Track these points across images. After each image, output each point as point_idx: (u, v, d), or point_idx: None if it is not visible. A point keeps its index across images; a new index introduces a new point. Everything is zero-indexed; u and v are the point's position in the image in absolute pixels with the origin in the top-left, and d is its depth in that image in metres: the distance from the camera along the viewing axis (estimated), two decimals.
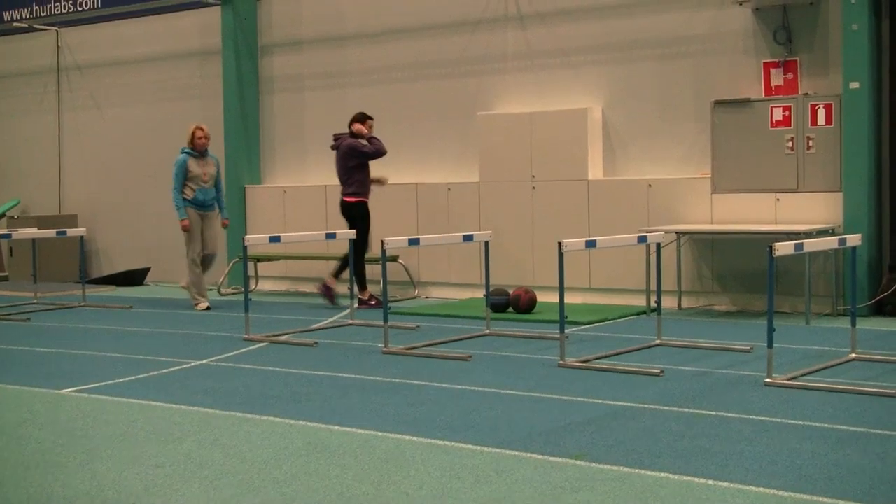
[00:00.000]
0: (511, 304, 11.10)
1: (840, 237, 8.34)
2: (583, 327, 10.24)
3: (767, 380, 7.25)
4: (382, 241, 9.14)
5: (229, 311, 12.13)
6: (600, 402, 6.87)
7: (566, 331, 8.47)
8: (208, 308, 12.25)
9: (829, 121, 10.75)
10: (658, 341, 9.04)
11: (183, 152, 12.30)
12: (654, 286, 9.60)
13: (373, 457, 5.64)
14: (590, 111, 12.08)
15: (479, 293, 11.20)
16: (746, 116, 11.16)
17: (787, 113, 10.95)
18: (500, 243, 11.89)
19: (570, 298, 10.38)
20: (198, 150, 12.28)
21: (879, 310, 10.52)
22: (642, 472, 5.20)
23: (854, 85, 10.50)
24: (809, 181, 10.85)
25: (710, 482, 4.99)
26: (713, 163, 11.36)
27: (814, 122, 10.82)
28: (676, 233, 11.17)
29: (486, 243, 10.21)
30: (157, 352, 9.35)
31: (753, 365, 7.95)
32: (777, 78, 11.21)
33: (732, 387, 7.26)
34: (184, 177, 12.19)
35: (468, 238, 10.26)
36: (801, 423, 6.15)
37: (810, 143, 10.84)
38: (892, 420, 6.16)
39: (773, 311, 7.37)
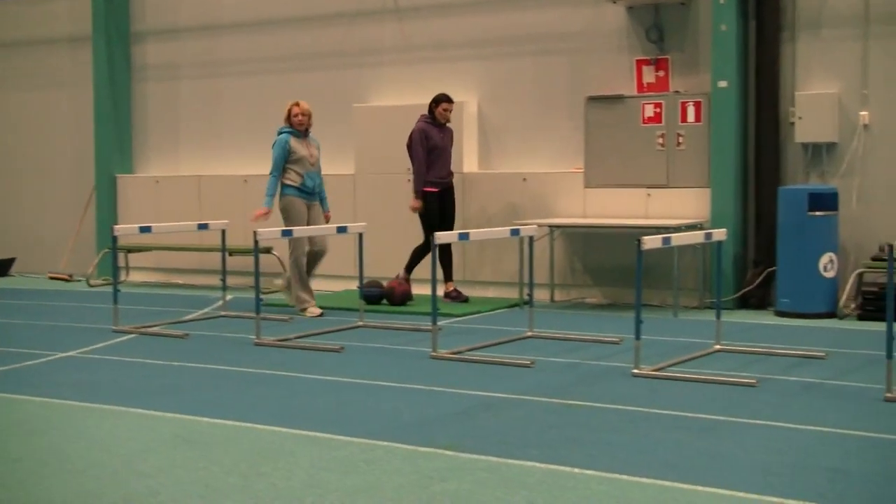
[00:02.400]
0: (385, 297, 11.10)
1: (706, 232, 8.54)
2: (456, 319, 10.28)
3: (635, 371, 7.38)
4: (255, 233, 9.05)
5: (98, 302, 11.87)
6: (471, 392, 6.91)
7: (439, 323, 8.53)
8: (322, 314, 10.60)
9: (698, 118, 10.99)
10: (530, 333, 9.13)
11: (282, 132, 10.70)
12: (526, 279, 9.70)
13: (242, 449, 5.58)
14: (466, 105, 12.13)
15: (354, 285, 11.17)
16: (619, 112, 11.34)
17: (658, 110, 11.17)
18: (375, 235, 11.86)
19: (443, 291, 10.44)
20: (297, 129, 10.69)
21: (744, 303, 10.80)
22: (510, 461, 5.25)
23: (722, 83, 10.75)
24: (679, 177, 11.09)
25: (577, 471, 5.06)
26: (586, 158, 11.53)
27: (684, 119, 11.05)
28: (549, 226, 11.30)
29: (361, 235, 10.19)
30: (21, 344, 9.09)
31: (622, 356, 8.09)
32: (649, 75, 11.42)
33: (601, 378, 7.38)
34: (285, 159, 10.57)
35: (342, 230, 10.22)
36: (666, 412, 6.28)
37: (680, 139, 11.07)
38: (753, 409, 6.33)
39: (642, 303, 7.52)
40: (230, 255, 11.80)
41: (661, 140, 11.14)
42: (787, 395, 6.77)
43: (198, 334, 9.54)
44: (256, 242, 9.09)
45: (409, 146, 11.26)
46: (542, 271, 11.21)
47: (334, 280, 12.62)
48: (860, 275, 10.27)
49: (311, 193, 10.72)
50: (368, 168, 12.59)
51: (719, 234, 8.42)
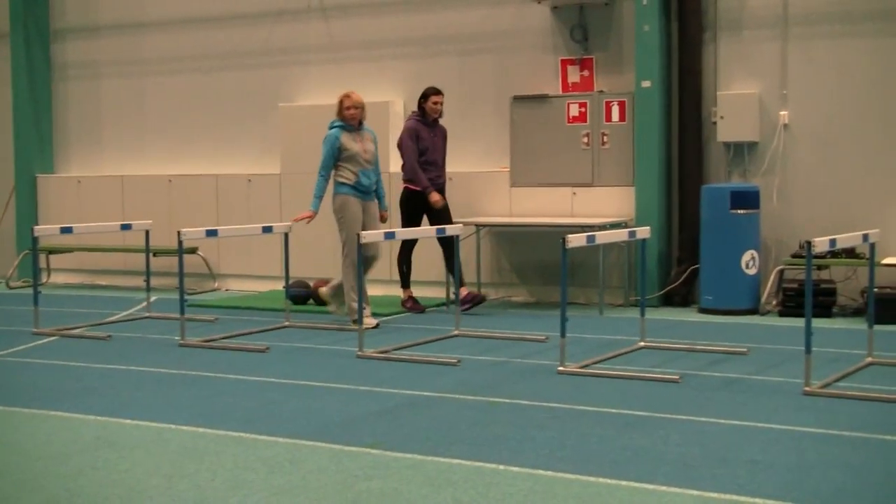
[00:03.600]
0: (312, 297, 11.05)
1: (630, 230, 8.61)
2: (383, 318, 10.26)
3: (560, 368, 7.43)
4: (179, 233, 8.97)
5: (18, 304, 11.67)
6: (397, 391, 6.91)
7: None
8: (378, 325, 9.74)
9: (622, 117, 11.09)
10: (457, 332, 9.15)
11: (333, 126, 9.77)
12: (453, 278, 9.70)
13: (165, 450, 5.52)
14: (391, 104, 12.12)
15: (280, 285, 11.10)
16: (544, 112, 11.41)
17: (583, 109, 11.25)
18: (301, 235, 11.80)
19: (371, 290, 10.42)
20: (349, 122, 9.79)
21: (668, 300, 10.91)
22: (436, 458, 5.26)
23: (646, 83, 10.86)
24: (604, 176, 11.17)
25: (501, 467, 5.08)
26: (512, 157, 11.58)
27: (608, 118, 11.14)
28: (476, 225, 11.33)
29: (286, 235, 10.13)
30: None
31: (548, 354, 8.13)
32: (574, 75, 11.50)
33: (527, 375, 7.42)
34: (335, 157, 9.67)
35: (268, 230, 10.16)
36: (590, 408, 6.33)
37: (605, 139, 11.16)
38: (676, 404, 6.40)
39: (567, 301, 7.56)
40: (154, 255, 11.67)
41: (585, 139, 11.22)
42: (709, 390, 6.86)
43: (121, 336, 9.43)
44: (181, 243, 9.01)
45: (400, 146, 10.76)
46: (468, 270, 11.24)
47: (260, 280, 12.55)
48: (781, 272, 10.43)
49: (367, 192, 9.83)
50: (294, 168, 12.51)
51: (643, 232, 8.50)
